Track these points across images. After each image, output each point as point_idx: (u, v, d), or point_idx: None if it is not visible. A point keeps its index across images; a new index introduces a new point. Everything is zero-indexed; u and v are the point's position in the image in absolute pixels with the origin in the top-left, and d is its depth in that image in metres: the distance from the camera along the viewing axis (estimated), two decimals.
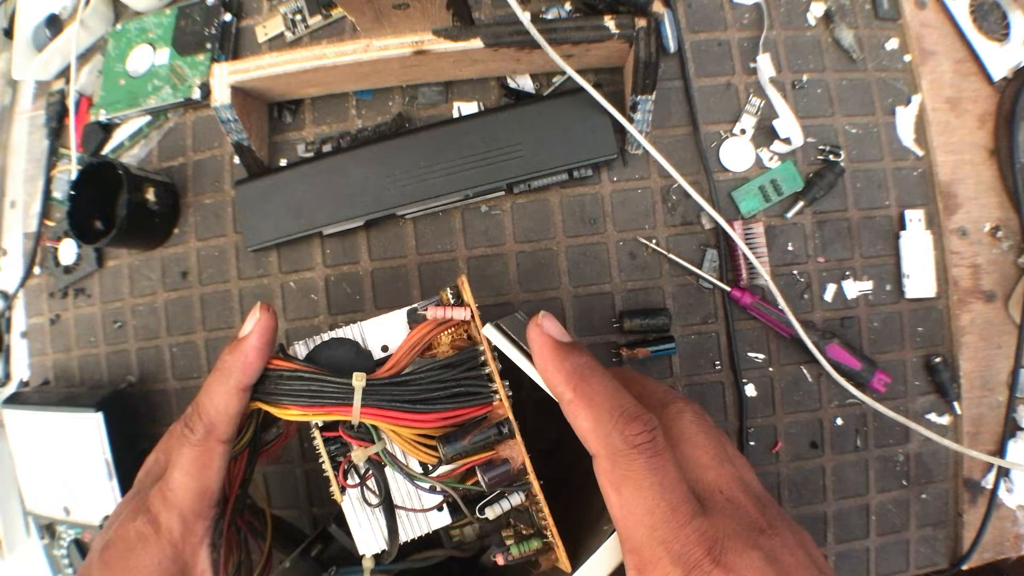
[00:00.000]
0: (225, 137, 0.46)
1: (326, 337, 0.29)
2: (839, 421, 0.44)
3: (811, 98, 0.45)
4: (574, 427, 0.25)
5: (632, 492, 0.23)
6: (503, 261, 0.44)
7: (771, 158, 0.44)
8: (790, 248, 0.44)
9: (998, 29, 0.46)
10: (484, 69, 0.44)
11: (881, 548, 0.45)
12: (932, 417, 0.45)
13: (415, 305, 0.29)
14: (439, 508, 0.29)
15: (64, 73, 0.52)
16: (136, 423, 0.47)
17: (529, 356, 0.27)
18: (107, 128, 0.50)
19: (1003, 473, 0.44)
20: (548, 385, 0.26)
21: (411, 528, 0.29)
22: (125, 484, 0.44)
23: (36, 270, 0.52)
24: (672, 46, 0.43)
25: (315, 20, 0.46)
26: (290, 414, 0.28)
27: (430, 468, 0.29)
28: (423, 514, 0.29)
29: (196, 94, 0.46)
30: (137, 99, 0.48)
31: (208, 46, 0.47)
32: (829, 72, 0.45)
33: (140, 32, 0.50)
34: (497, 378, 0.28)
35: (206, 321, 0.47)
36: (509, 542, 0.29)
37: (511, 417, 0.28)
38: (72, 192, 0.45)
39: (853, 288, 0.44)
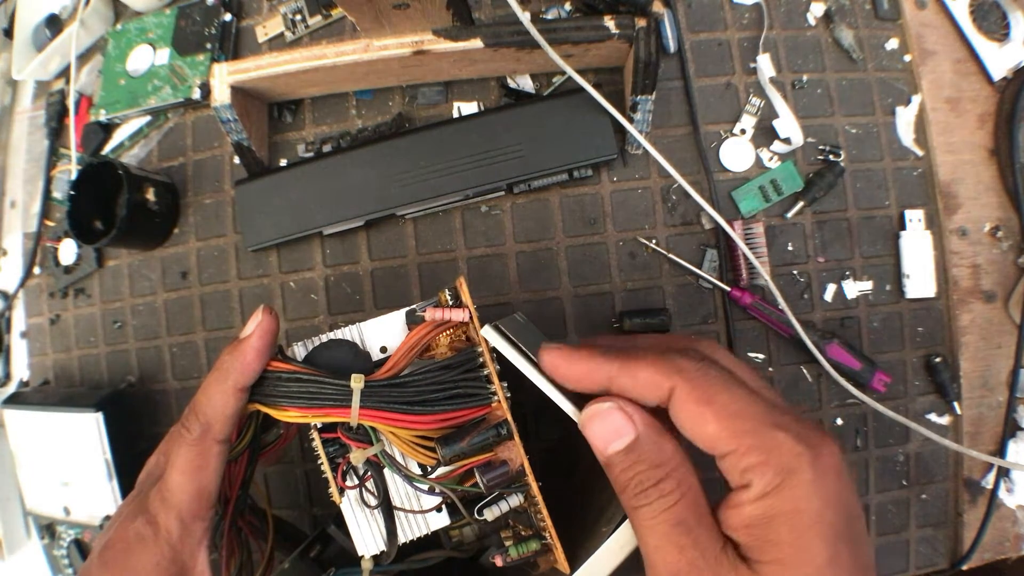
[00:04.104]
0: (225, 137, 0.46)
1: (325, 338, 0.29)
2: (839, 421, 0.44)
3: (811, 98, 0.45)
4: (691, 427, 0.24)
5: (727, 400, 0.23)
6: (503, 261, 0.44)
7: (771, 158, 0.44)
8: (790, 248, 0.44)
9: (998, 29, 0.46)
10: (484, 69, 0.44)
11: (881, 548, 0.45)
12: (932, 417, 0.45)
13: (414, 306, 0.29)
14: (438, 509, 0.29)
15: (64, 73, 0.52)
16: (136, 423, 0.47)
17: (527, 357, 0.27)
18: (107, 128, 0.50)
19: (1003, 473, 0.44)
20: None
21: (410, 529, 0.29)
22: (125, 484, 0.45)
23: (36, 270, 0.52)
24: (672, 46, 0.43)
25: (315, 20, 0.46)
26: (289, 416, 0.28)
27: (429, 469, 0.29)
28: (422, 515, 0.29)
29: (196, 94, 0.46)
30: (137, 99, 0.48)
31: (208, 46, 0.47)
32: (829, 72, 0.45)
33: (140, 32, 0.50)
34: (496, 379, 0.28)
35: (206, 321, 0.47)
36: (508, 543, 0.29)
37: (510, 419, 0.28)
38: (72, 192, 0.45)
39: (853, 288, 0.44)
